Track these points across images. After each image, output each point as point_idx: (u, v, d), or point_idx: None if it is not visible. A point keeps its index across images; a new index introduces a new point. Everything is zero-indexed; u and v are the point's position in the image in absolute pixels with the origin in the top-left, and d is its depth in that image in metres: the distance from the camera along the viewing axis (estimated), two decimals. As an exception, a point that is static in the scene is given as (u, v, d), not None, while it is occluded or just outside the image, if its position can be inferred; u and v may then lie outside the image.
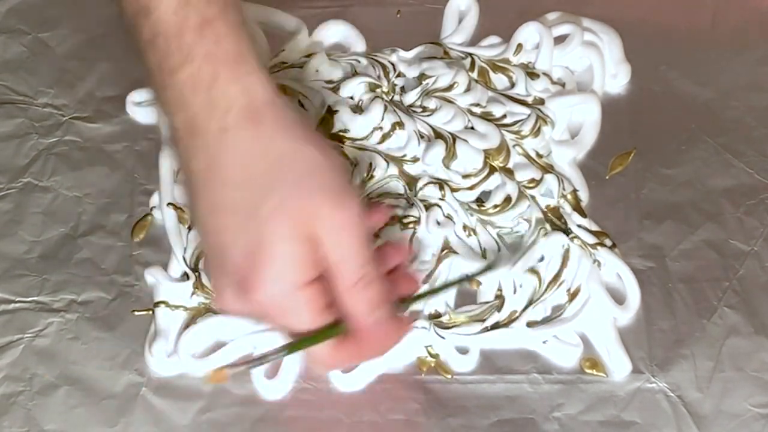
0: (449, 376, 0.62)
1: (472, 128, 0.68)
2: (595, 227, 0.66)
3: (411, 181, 0.66)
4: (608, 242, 0.65)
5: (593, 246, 0.65)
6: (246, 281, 0.51)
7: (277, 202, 0.50)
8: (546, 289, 0.63)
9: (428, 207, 0.65)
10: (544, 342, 0.62)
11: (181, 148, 0.53)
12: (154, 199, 0.68)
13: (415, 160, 0.67)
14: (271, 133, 0.52)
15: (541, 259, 0.64)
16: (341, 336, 0.53)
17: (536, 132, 0.68)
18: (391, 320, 0.53)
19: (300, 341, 0.53)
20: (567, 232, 0.65)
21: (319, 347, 0.53)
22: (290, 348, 0.53)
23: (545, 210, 0.66)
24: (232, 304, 0.52)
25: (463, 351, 0.62)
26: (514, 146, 0.67)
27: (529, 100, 0.69)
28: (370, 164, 0.67)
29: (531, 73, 0.70)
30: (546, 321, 0.63)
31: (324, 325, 0.52)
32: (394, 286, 0.56)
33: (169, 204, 0.66)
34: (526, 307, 0.63)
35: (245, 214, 0.51)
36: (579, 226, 0.65)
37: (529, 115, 0.68)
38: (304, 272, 0.51)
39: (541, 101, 0.69)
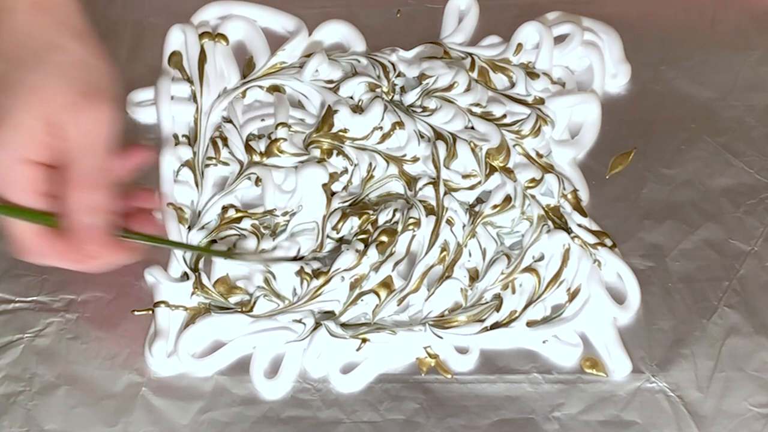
0: (449, 376, 0.62)
1: (472, 128, 0.68)
2: (595, 227, 0.66)
3: (411, 181, 0.66)
4: (608, 242, 0.65)
5: (593, 246, 0.65)
6: None
7: (33, 79, 0.52)
8: (546, 289, 0.63)
9: (429, 209, 0.64)
10: (544, 342, 0.62)
11: None
12: (154, 200, 0.67)
13: (415, 160, 0.67)
14: (52, 23, 0.54)
15: (541, 258, 0.64)
16: (52, 229, 0.53)
17: (536, 132, 0.68)
18: (105, 234, 0.53)
19: (7, 207, 0.53)
20: (567, 231, 0.65)
21: (25, 228, 0.53)
22: None
23: (546, 209, 0.66)
24: None
25: (462, 351, 0.62)
26: (514, 146, 0.67)
27: (529, 99, 0.69)
28: (370, 164, 0.67)
29: (531, 73, 0.70)
30: (546, 321, 0.63)
31: (39, 209, 0.52)
32: (132, 218, 0.57)
33: (169, 204, 0.66)
34: (525, 307, 0.63)
35: (2, 84, 0.52)
36: (579, 225, 0.65)
37: (529, 115, 0.68)
38: (33, 149, 0.51)
39: (541, 101, 0.69)
